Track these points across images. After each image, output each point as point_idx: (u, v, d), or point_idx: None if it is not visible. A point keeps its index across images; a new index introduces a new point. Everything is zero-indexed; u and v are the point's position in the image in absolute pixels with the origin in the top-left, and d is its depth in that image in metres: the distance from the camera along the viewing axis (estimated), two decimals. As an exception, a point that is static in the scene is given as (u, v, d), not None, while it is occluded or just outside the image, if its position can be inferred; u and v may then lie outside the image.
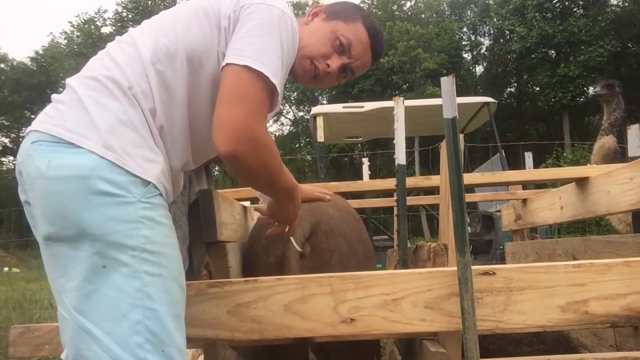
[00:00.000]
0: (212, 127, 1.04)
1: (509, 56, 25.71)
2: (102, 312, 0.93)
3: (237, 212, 1.73)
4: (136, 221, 0.96)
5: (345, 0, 1.36)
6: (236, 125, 1.02)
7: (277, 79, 1.07)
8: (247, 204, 2.21)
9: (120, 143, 0.99)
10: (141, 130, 1.03)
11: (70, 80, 1.09)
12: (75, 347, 0.95)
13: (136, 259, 0.95)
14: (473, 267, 1.13)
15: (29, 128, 1.05)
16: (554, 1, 23.80)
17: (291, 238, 1.45)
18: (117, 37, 1.18)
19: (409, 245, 1.99)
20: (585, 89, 24.90)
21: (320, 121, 4.08)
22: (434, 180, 2.41)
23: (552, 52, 24.45)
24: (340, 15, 1.30)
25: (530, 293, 1.15)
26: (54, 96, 1.10)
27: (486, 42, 29.40)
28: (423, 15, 28.81)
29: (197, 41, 1.11)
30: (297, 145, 29.55)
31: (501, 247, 4.70)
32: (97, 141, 0.97)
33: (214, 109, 1.09)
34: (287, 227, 1.37)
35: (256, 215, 2.18)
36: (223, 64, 1.07)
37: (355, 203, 3.22)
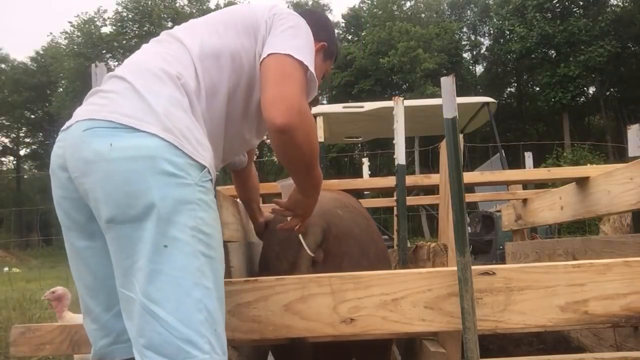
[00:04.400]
0: (264, 105, 1.08)
1: (509, 56, 25.68)
2: (167, 292, 0.95)
3: (239, 211, 1.73)
4: (194, 202, 0.99)
5: (332, 29, 1.54)
6: (289, 99, 1.07)
7: (312, 68, 1.16)
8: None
9: (178, 126, 1.01)
10: (191, 115, 1.07)
11: (115, 73, 1.11)
12: (141, 329, 0.96)
13: (194, 239, 0.98)
14: (473, 267, 1.13)
15: (72, 121, 1.05)
16: (554, 1, 23.79)
17: (304, 244, 1.45)
18: (153, 39, 1.23)
19: (409, 245, 2.00)
20: (585, 89, 24.91)
21: (320, 121, 4.07)
22: (433, 178, 2.42)
23: (552, 52, 24.43)
24: (330, 56, 1.49)
25: (530, 293, 1.15)
26: (96, 88, 1.12)
27: (486, 42, 29.42)
28: (423, 15, 28.80)
29: (239, 43, 1.20)
30: (297, 145, 29.50)
31: (501, 247, 4.70)
32: (157, 124, 0.99)
33: (246, 105, 1.23)
34: (299, 223, 1.39)
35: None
36: (264, 55, 1.14)
37: (355, 203, 3.20)
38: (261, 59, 1.15)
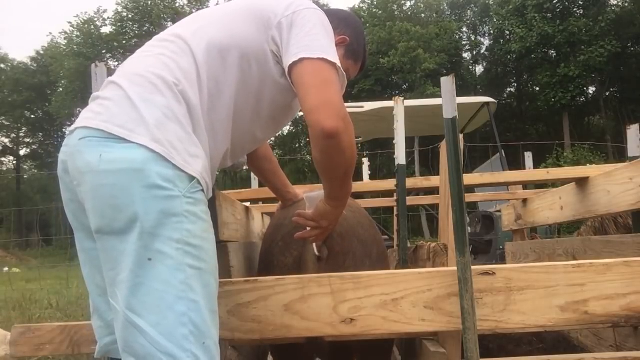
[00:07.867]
0: (309, 111, 1.08)
1: (509, 56, 25.66)
2: (149, 305, 0.95)
3: (238, 212, 1.73)
4: (181, 215, 0.98)
5: (361, 32, 1.49)
6: (335, 104, 1.08)
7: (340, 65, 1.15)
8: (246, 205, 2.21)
9: (168, 137, 1.01)
10: (185, 125, 1.06)
11: (113, 78, 1.11)
12: (124, 340, 0.98)
13: (180, 252, 0.97)
14: (473, 267, 1.13)
15: (74, 126, 1.07)
16: (554, 1, 23.77)
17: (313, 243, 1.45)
18: (156, 37, 1.22)
19: (409, 245, 2.00)
20: (585, 89, 24.90)
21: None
22: (433, 181, 2.42)
23: (552, 52, 24.41)
24: (354, 56, 1.43)
25: (530, 293, 1.15)
26: (96, 94, 1.12)
27: (486, 42, 29.40)
28: (423, 15, 28.77)
29: (248, 39, 1.17)
30: (297, 145, 29.54)
31: (501, 247, 4.71)
32: (146, 135, 0.99)
33: (258, 104, 1.21)
34: (319, 234, 1.38)
35: (257, 215, 2.19)
36: (295, 59, 1.11)
37: (355, 203, 3.20)
38: (291, 62, 1.12)
